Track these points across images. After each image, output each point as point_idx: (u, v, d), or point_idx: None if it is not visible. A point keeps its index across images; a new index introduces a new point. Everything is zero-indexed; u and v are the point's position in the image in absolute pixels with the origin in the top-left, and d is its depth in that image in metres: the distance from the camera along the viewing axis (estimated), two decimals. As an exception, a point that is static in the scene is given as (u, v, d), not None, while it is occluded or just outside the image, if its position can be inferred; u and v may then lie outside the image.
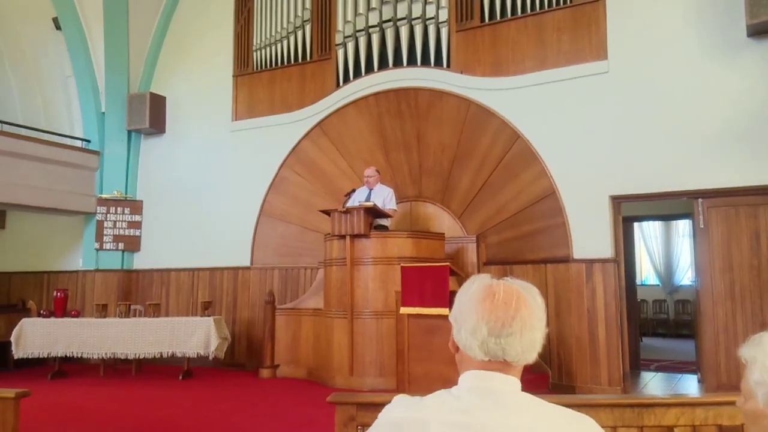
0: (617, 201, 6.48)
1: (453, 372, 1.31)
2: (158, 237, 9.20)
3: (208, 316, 7.45)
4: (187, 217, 8.97)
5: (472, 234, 7.22)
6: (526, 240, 6.89)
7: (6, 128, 8.58)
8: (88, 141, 9.23)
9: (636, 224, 10.24)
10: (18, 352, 7.28)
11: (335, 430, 2.23)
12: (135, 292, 9.21)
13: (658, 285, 12.81)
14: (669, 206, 8.41)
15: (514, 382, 1.24)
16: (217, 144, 8.91)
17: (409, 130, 7.63)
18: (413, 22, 7.48)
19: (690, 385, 6.78)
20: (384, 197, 6.83)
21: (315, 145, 8.18)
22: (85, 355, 7.48)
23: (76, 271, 9.31)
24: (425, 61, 7.47)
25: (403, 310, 5.81)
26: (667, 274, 12.68)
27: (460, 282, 5.56)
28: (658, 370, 7.88)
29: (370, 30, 7.76)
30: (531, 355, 1.26)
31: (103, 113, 9.20)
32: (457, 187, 7.37)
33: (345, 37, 7.92)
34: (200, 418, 5.37)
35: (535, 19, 6.88)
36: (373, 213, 6.58)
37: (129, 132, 9.33)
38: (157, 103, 9.21)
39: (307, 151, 8.24)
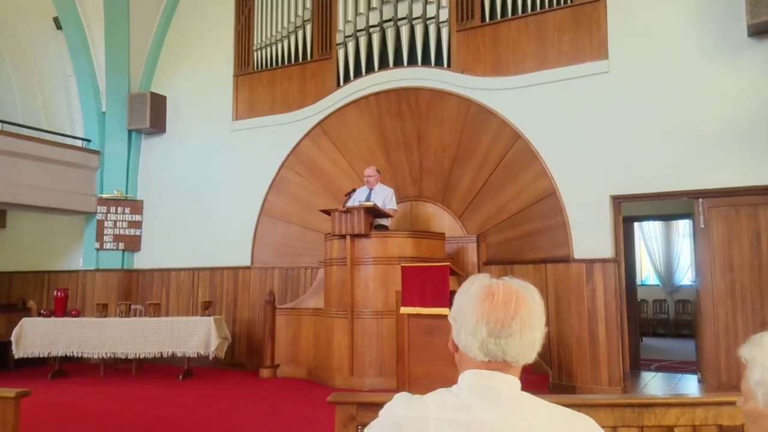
0: (617, 201, 6.48)
1: (453, 372, 1.31)
2: (158, 237, 9.20)
3: (209, 315, 7.45)
4: (188, 216, 8.97)
5: (472, 234, 7.22)
6: (526, 240, 6.89)
7: (6, 128, 8.58)
8: (89, 140, 9.24)
9: (636, 224, 10.23)
10: (18, 351, 7.29)
11: (335, 430, 2.23)
12: (135, 292, 9.21)
13: (659, 285, 12.81)
14: (669, 206, 8.42)
15: (513, 381, 1.24)
16: (218, 144, 8.91)
17: (409, 129, 7.63)
18: (414, 22, 7.48)
19: (690, 385, 6.78)
20: (384, 197, 6.83)
21: (315, 145, 8.18)
22: (85, 355, 7.48)
23: (77, 271, 9.32)
24: (426, 61, 7.47)
25: (404, 309, 5.81)
26: (667, 274, 12.68)
27: (461, 282, 5.55)
28: (658, 370, 7.88)
29: (371, 30, 7.76)
30: (530, 355, 1.26)
31: (104, 113, 9.20)
32: (458, 186, 7.36)
33: (345, 37, 7.92)
34: (200, 417, 5.37)
35: (535, 18, 6.87)
36: (374, 213, 6.58)
37: (129, 131, 9.33)
38: (158, 103, 9.21)
39: (307, 150, 8.24)
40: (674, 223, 12.16)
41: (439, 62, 7.40)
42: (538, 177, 6.77)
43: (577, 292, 6.41)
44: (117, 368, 8.00)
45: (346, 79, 7.94)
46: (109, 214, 9.15)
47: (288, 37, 8.47)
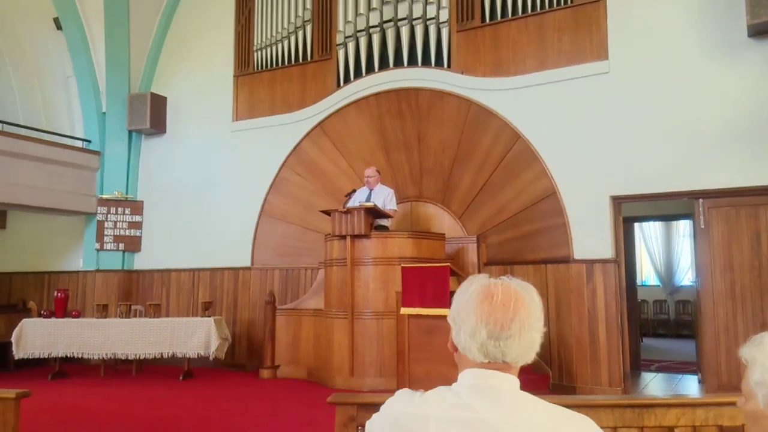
0: (618, 201, 6.48)
1: (454, 372, 1.31)
2: (159, 237, 9.20)
3: (209, 316, 7.45)
4: (188, 217, 8.97)
5: (472, 234, 7.22)
6: (526, 240, 6.89)
7: (7, 128, 8.59)
8: (89, 141, 9.24)
9: (636, 224, 10.23)
10: (18, 352, 7.29)
11: (335, 431, 2.23)
12: (135, 293, 9.21)
13: (659, 285, 12.80)
14: (670, 206, 8.41)
15: (513, 381, 1.25)
16: (218, 144, 8.91)
17: (409, 130, 7.63)
18: (414, 23, 7.48)
19: (690, 386, 6.78)
20: (384, 197, 6.83)
21: (315, 146, 8.18)
22: (85, 356, 7.48)
23: (77, 272, 9.32)
24: (426, 62, 7.47)
25: (404, 310, 5.81)
26: (667, 274, 12.68)
27: (461, 282, 5.55)
28: (658, 370, 7.87)
29: (371, 30, 7.76)
30: (529, 356, 1.26)
31: (104, 113, 9.20)
32: (458, 187, 7.36)
33: (346, 37, 7.92)
34: (201, 418, 5.37)
35: (535, 19, 6.88)
36: (374, 213, 6.58)
37: (130, 132, 9.33)
38: (158, 103, 9.21)
39: (307, 151, 8.24)
40: (674, 223, 12.16)
41: (439, 63, 7.40)
42: (538, 177, 6.77)
43: (578, 293, 6.41)
44: (117, 369, 8.00)
45: (347, 80, 7.94)
46: (109, 215, 9.15)
47: (288, 37, 8.47)
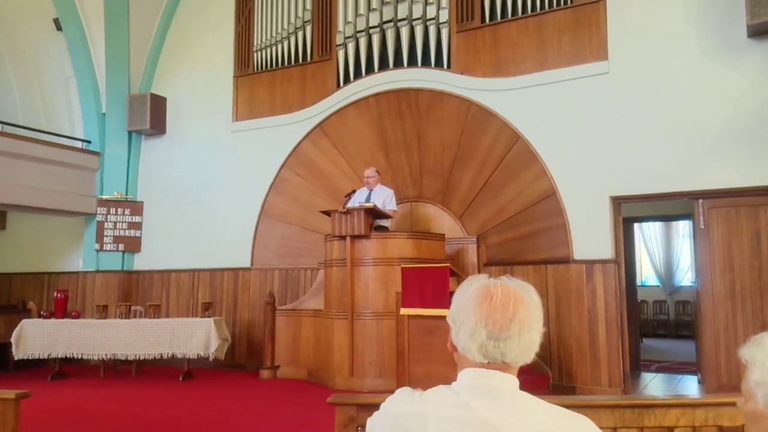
0: (618, 201, 6.48)
1: (453, 372, 1.31)
2: (159, 238, 9.20)
3: (209, 317, 7.45)
4: (188, 218, 8.97)
5: (472, 235, 7.22)
6: (526, 241, 6.89)
7: (6, 129, 8.59)
8: (89, 142, 9.24)
9: (636, 225, 10.23)
10: (18, 353, 7.28)
11: (335, 431, 2.23)
12: (135, 293, 9.21)
13: (659, 286, 12.80)
14: (669, 207, 8.41)
15: (512, 380, 1.25)
16: (218, 145, 8.91)
17: (409, 130, 7.63)
18: (414, 23, 7.48)
19: (690, 386, 6.78)
20: (384, 198, 6.83)
21: (315, 146, 8.19)
22: (85, 356, 7.48)
23: (77, 272, 9.32)
24: (426, 62, 7.47)
25: (404, 311, 5.81)
26: (667, 274, 12.67)
27: (461, 283, 5.55)
28: (658, 370, 7.87)
29: (371, 31, 7.76)
30: (529, 356, 1.26)
31: (104, 114, 9.20)
32: (458, 187, 7.36)
33: (345, 38, 7.92)
34: (201, 418, 5.37)
35: (535, 19, 6.88)
36: (374, 214, 6.58)
37: (129, 133, 9.33)
38: (158, 104, 9.21)
39: (307, 151, 8.24)
40: (674, 223, 12.16)
41: (439, 63, 7.40)
42: (538, 178, 6.77)
43: (577, 293, 6.41)
44: (117, 369, 8.00)
45: (346, 80, 7.94)
46: (109, 216, 9.15)
47: (288, 38, 8.48)
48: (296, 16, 8.40)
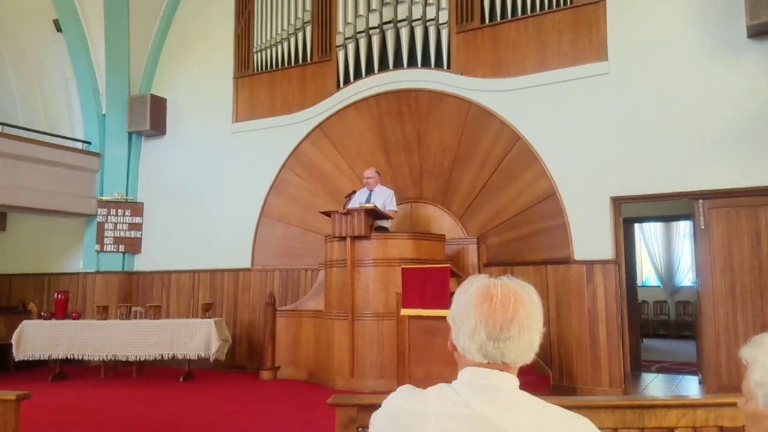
0: (618, 202, 6.48)
1: (454, 373, 1.31)
2: (159, 239, 9.20)
3: (209, 317, 7.45)
4: (188, 218, 8.97)
5: (472, 235, 7.22)
6: (526, 241, 6.89)
7: (6, 130, 8.59)
8: (89, 143, 9.24)
9: (637, 225, 10.23)
10: (19, 354, 7.28)
11: (335, 432, 2.23)
12: (136, 294, 9.21)
13: (659, 286, 12.80)
14: (670, 207, 8.40)
15: (512, 380, 1.25)
16: (218, 146, 8.92)
17: (409, 131, 7.63)
18: (413, 24, 7.49)
19: (691, 387, 6.78)
20: (384, 198, 6.83)
21: (315, 147, 8.19)
22: (85, 357, 7.48)
23: (77, 273, 9.32)
24: (425, 63, 7.47)
25: (404, 311, 5.81)
26: (667, 275, 12.67)
27: (461, 283, 5.55)
28: (659, 371, 7.87)
29: (371, 31, 7.77)
30: (528, 356, 1.27)
31: (104, 115, 9.20)
32: (458, 188, 7.36)
33: (345, 39, 7.92)
34: (201, 419, 5.37)
35: (535, 20, 6.88)
36: (374, 214, 6.58)
37: (129, 134, 9.33)
38: (158, 105, 9.21)
39: (307, 152, 8.24)
40: (674, 224, 12.16)
41: (438, 64, 7.40)
42: (538, 178, 6.77)
43: (578, 294, 6.41)
44: (117, 370, 8.00)
45: (346, 81, 7.94)
46: (109, 217, 9.15)
47: (288, 39, 8.48)
48: (296, 17, 8.40)
